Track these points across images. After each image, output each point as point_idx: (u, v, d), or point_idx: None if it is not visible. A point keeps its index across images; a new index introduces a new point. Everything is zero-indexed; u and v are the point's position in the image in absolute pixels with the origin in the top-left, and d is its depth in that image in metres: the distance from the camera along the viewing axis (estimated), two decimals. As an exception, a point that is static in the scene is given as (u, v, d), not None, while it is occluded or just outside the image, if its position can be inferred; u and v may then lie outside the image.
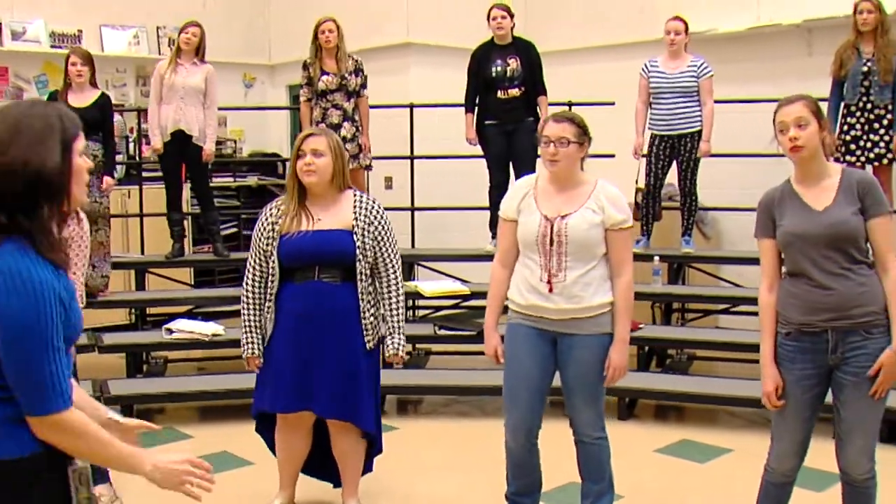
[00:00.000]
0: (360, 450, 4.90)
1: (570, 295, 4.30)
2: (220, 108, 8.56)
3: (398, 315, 4.73)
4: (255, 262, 4.74)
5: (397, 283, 4.72)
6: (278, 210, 4.68)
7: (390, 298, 4.72)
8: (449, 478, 5.82)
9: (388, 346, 4.71)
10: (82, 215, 4.63)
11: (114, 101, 8.29)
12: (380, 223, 4.68)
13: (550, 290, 4.31)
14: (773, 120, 4.00)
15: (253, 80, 12.14)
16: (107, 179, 7.70)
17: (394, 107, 9.14)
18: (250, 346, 4.77)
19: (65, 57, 7.88)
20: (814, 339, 3.96)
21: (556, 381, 4.53)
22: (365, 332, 4.66)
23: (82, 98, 7.63)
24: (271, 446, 5.11)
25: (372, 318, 4.70)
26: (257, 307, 4.75)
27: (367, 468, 5.05)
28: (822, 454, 4.31)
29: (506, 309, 4.60)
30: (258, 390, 4.89)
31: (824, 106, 7.48)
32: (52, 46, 10.24)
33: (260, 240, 4.70)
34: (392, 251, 4.72)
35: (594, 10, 10.61)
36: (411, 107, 9.23)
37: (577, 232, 4.28)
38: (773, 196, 4.08)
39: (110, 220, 8.14)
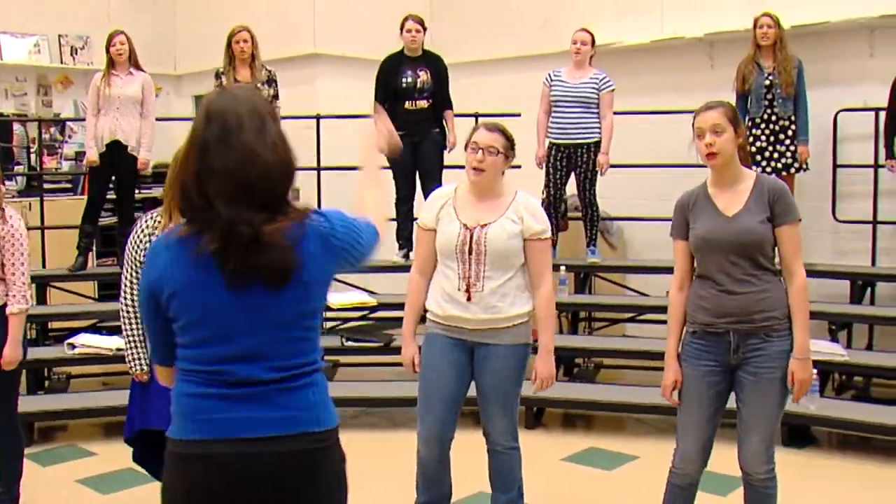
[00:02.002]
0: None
1: (488, 305, 4.33)
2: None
3: None
4: (133, 276, 4.47)
5: None
6: (155, 222, 4.44)
7: None
8: (358, 490, 5.77)
9: None
10: (10, 212, 4.53)
11: (13, 112, 8.13)
12: None
13: (468, 299, 4.33)
14: (692, 125, 4.09)
15: (158, 90, 11.96)
16: None
17: (301, 118, 9.10)
18: (137, 362, 4.55)
19: None
20: (717, 339, 4.08)
21: (469, 391, 4.54)
22: None
23: None
24: (155, 471, 4.73)
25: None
26: (139, 321, 4.51)
27: None
28: (725, 459, 4.39)
29: (423, 318, 4.61)
30: (145, 408, 4.59)
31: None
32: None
33: (138, 252, 4.43)
34: None
35: (499, 23, 10.68)
36: (318, 118, 9.19)
37: (496, 241, 4.31)
38: (689, 198, 4.19)
39: None
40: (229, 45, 8.12)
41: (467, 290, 4.33)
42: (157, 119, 11.35)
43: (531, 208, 4.41)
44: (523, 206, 4.40)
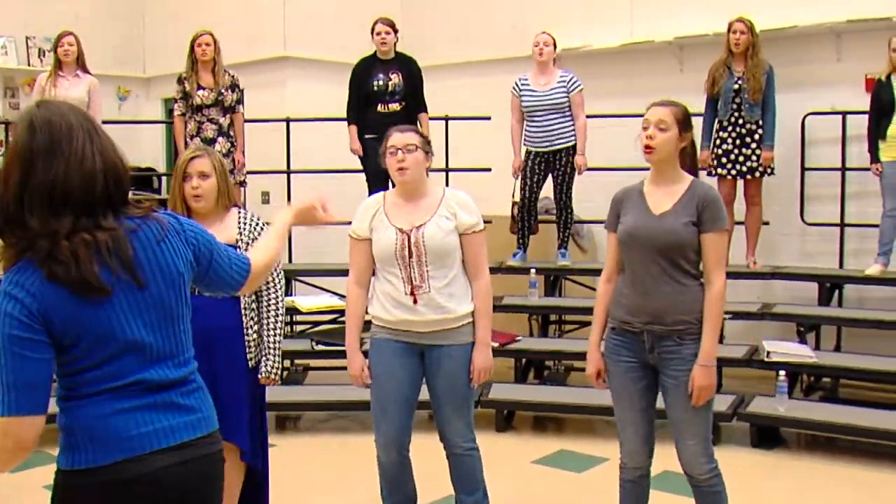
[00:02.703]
0: (239, 469, 4.75)
1: (436, 305, 4.33)
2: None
3: (275, 336, 4.59)
4: None
5: (277, 302, 4.57)
6: None
7: (269, 318, 4.56)
8: (329, 494, 5.78)
9: (261, 368, 4.55)
10: None
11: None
12: None
13: (415, 302, 4.32)
14: (644, 116, 4.13)
15: (127, 92, 11.93)
16: None
17: (270, 121, 9.08)
18: None
19: None
20: (634, 337, 4.14)
21: (425, 394, 4.54)
22: (248, 350, 4.55)
23: None
24: None
25: (255, 336, 4.57)
26: None
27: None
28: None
29: (365, 327, 4.59)
30: None
31: (698, 121, 7.72)
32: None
33: None
34: (274, 270, 4.61)
35: (468, 26, 10.70)
36: (288, 121, 9.18)
37: (433, 241, 4.31)
38: (624, 194, 4.25)
39: None
40: (192, 49, 8.07)
41: (412, 293, 4.33)
42: (126, 122, 11.38)
43: (462, 203, 4.42)
44: (454, 201, 4.41)
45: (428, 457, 4.71)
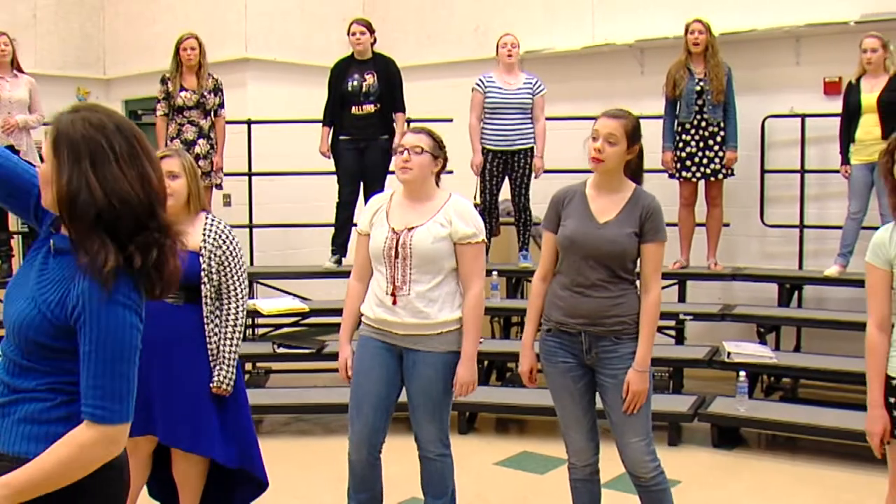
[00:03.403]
0: (199, 475, 4.70)
1: (415, 310, 4.32)
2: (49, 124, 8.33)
3: (231, 346, 4.49)
4: None
5: (236, 312, 4.51)
6: None
7: (226, 327, 4.49)
8: (291, 497, 5.75)
9: (214, 377, 4.46)
10: None
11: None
12: (228, 248, 4.49)
13: (394, 303, 4.32)
14: (593, 124, 4.14)
15: (87, 94, 11.79)
16: None
17: (232, 123, 9.04)
18: None
19: None
20: (571, 338, 4.18)
21: (404, 396, 4.53)
22: (210, 357, 4.50)
23: None
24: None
25: (217, 343, 4.55)
26: None
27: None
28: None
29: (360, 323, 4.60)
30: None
31: (659, 123, 7.76)
32: None
33: None
34: (237, 279, 4.51)
35: (431, 29, 10.70)
36: (249, 123, 9.14)
37: (421, 245, 4.30)
38: (566, 194, 4.28)
39: None
40: (177, 51, 8.05)
41: (393, 294, 4.33)
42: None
43: (462, 212, 4.40)
44: (454, 209, 4.40)
45: (398, 459, 4.70)
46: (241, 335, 4.59)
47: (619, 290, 4.11)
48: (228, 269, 4.48)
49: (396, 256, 4.32)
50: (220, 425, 4.49)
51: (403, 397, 4.52)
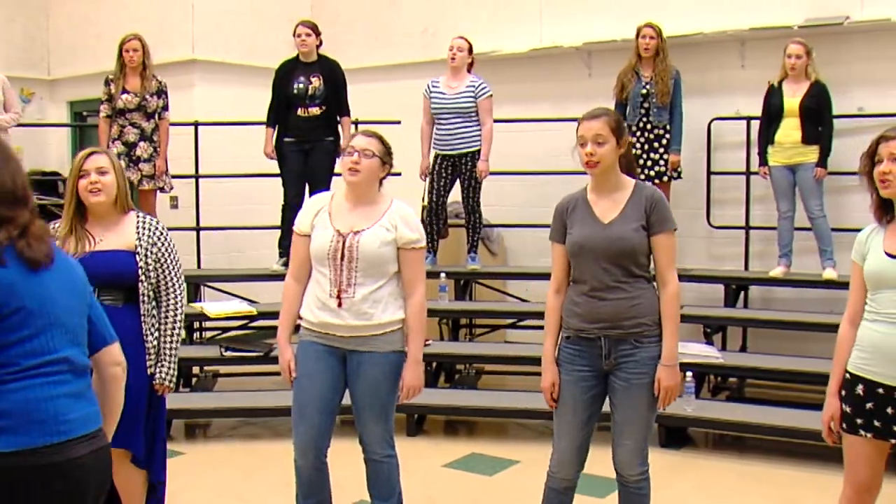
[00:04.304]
0: (138, 479, 4.62)
1: (359, 311, 4.30)
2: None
3: (172, 343, 4.45)
4: None
5: (176, 309, 4.46)
6: (55, 232, 4.39)
7: (166, 324, 4.44)
8: (239, 500, 5.71)
9: (156, 375, 4.41)
10: None
11: None
12: (163, 245, 4.45)
13: (339, 305, 4.30)
14: (576, 131, 4.12)
15: (31, 95, 11.66)
16: None
17: (178, 124, 8.96)
18: None
19: None
20: (590, 344, 4.12)
21: (347, 399, 4.50)
22: (148, 357, 4.45)
23: None
24: None
25: (155, 342, 4.49)
26: None
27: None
28: (603, 461, 4.43)
29: (298, 326, 4.56)
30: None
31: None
32: None
33: None
34: (174, 276, 4.45)
35: (379, 31, 10.69)
36: (196, 124, 9.06)
37: (368, 248, 4.29)
38: (568, 203, 4.23)
39: None
40: (120, 53, 7.96)
41: (338, 297, 4.31)
42: (30, 125, 11.11)
43: (405, 217, 4.42)
44: (398, 214, 4.40)
45: (343, 463, 4.68)
46: (182, 331, 4.55)
47: (635, 289, 4.07)
48: (166, 265, 4.43)
49: (342, 259, 4.30)
50: (143, 425, 4.42)
51: (345, 401, 4.49)
